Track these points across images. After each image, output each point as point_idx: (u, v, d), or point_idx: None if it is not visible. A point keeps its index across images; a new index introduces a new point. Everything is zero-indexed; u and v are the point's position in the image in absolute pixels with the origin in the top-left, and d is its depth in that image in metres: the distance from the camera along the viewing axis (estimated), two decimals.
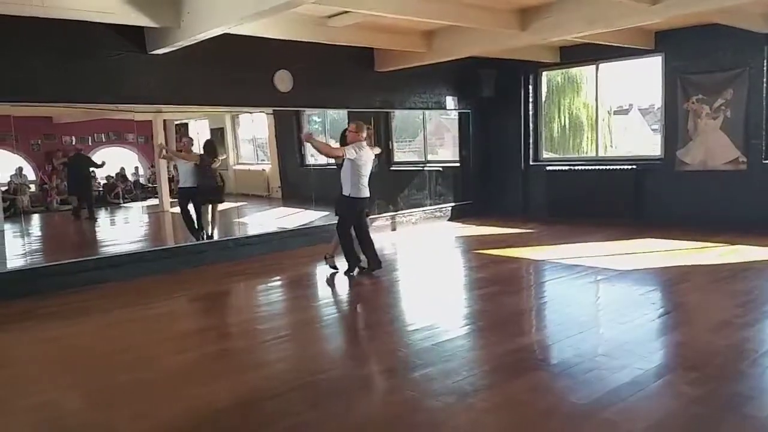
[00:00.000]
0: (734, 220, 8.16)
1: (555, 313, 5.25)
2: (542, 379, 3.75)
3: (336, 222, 6.78)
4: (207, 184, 8.36)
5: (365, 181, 6.50)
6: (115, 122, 8.54)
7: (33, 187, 9.00)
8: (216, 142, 9.17)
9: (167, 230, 10.08)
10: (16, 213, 8.31)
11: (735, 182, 8.32)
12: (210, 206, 8.42)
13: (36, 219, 8.96)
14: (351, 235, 6.63)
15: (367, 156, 6.47)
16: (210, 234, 8.41)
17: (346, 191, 6.50)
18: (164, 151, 9.13)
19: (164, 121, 9.06)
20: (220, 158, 8.71)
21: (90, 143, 8.20)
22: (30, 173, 8.99)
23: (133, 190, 11.32)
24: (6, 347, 4.94)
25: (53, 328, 5.31)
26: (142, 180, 10.72)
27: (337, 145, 6.80)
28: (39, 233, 8.98)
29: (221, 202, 8.70)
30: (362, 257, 6.71)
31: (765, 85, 8.03)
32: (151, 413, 3.48)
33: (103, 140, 10.43)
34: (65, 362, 4.47)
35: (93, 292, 6.35)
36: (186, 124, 11.26)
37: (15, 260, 6.77)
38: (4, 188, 8.16)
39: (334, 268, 6.82)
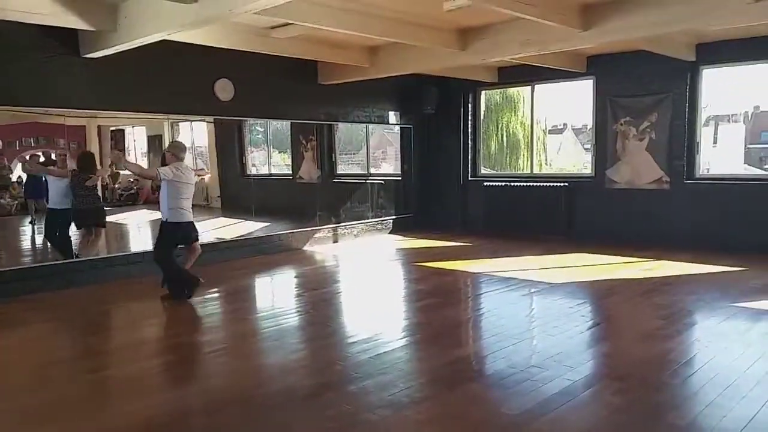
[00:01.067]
0: (659, 236, 8.63)
1: (490, 324, 5.39)
2: (477, 390, 3.84)
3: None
4: (83, 205, 7.24)
5: (186, 204, 6.02)
6: (45, 126, 8.15)
7: None
8: (93, 155, 7.74)
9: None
10: None
11: (659, 200, 8.80)
12: (90, 230, 7.43)
13: None
14: (173, 260, 6.13)
15: (186, 177, 6.01)
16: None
17: (164, 216, 6.00)
18: (25, 164, 7.93)
19: (99, 127, 8.74)
20: (99, 174, 7.59)
21: (17, 147, 7.80)
22: None
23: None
24: None
25: None
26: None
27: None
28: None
29: (103, 226, 7.55)
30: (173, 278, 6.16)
31: (687, 109, 8.56)
32: (79, 429, 3.34)
33: (32, 144, 9.95)
34: None
35: (18, 303, 6.03)
36: (122, 131, 10.91)
37: None
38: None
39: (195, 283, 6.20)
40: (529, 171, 10.68)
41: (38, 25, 5.63)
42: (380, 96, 10.21)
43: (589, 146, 10.42)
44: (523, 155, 11.56)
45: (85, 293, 6.54)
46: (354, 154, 12.07)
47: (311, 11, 5.78)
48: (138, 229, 9.93)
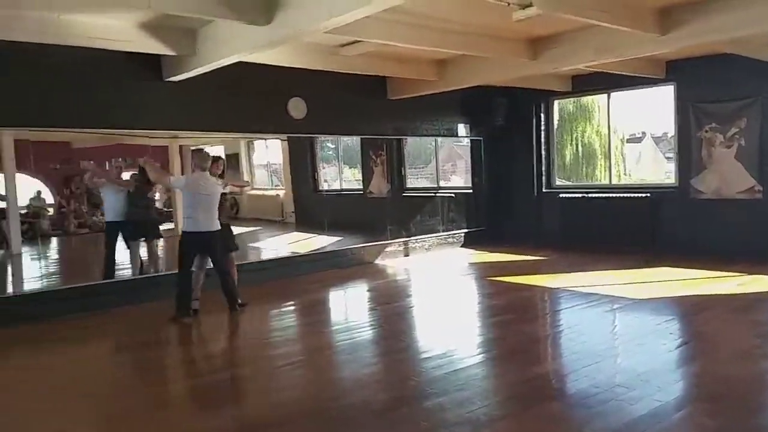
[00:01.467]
0: (751, 249, 8.04)
1: (570, 341, 5.18)
2: (558, 409, 3.68)
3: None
4: (141, 217, 7.40)
5: (199, 214, 5.93)
6: (132, 147, 8.64)
7: (51, 211, 9.10)
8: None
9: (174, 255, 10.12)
10: (34, 236, 8.40)
11: (751, 211, 8.22)
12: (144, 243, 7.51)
13: (54, 242, 9.02)
14: (186, 273, 6.05)
15: (198, 187, 5.97)
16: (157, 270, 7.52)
17: (182, 226, 6.01)
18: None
19: (180, 146, 9.17)
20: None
21: (107, 168, 8.29)
22: (49, 197, 9.10)
23: None
24: (23, 370, 4.94)
25: (66, 352, 5.32)
26: (158, 204, 10.85)
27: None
28: (56, 256, 9.04)
29: (157, 237, 7.64)
30: (195, 303, 6.17)
31: None
32: None
33: (122, 166, 10.57)
34: (70, 389, 4.45)
35: (106, 316, 6.36)
36: (201, 150, 11.41)
37: (32, 283, 6.80)
38: (23, 211, 8.24)
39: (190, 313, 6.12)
40: (607, 182, 10.27)
41: (124, 51, 6.00)
42: (449, 109, 10.15)
43: (670, 155, 9.93)
44: (600, 165, 11.15)
45: (157, 307, 6.80)
46: (423, 167, 12.05)
47: (379, 28, 5.83)
48: None
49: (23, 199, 8.33)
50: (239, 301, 6.28)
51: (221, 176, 6.35)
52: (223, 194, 6.32)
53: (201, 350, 5.64)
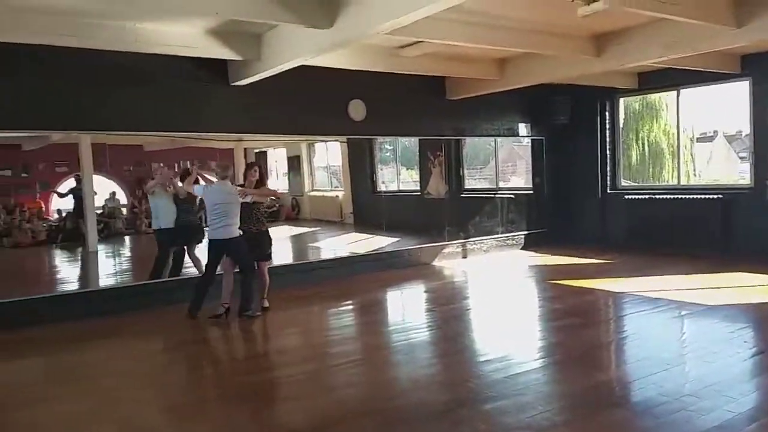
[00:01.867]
0: None
1: (636, 348, 5.00)
2: (623, 417, 3.57)
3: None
4: (188, 222, 7.36)
5: (215, 221, 6.05)
6: (199, 150, 8.98)
7: (125, 211, 9.57)
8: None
9: None
10: (109, 235, 8.88)
11: None
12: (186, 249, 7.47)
13: (127, 241, 9.47)
14: (208, 279, 6.27)
15: (213, 195, 6.10)
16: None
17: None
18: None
19: (245, 149, 9.45)
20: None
21: (176, 170, 8.64)
22: (122, 198, 9.58)
23: None
24: (102, 361, 5.22)
25: (138, 345, 5.59)
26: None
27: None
28: (129, 254, 9.50)
29: (199, 242, 7.45)
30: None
31: None
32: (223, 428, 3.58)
33: (188, 168, 10.99)
34: (148, 377, 4.67)
35: (172, 312, 6.63)
36: (265, 152, 11.71)
37: (106, 279, 7.18)
38: (99, 211, 8.71)
39: (259, 311, 6.26)
40: (675, 182, 9.87)
41: (193, 57, 6.24)
42: (509, 108, 10.01)
43: (744, 154, 9.43)
44: (668, 166, 10.72)
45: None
46: (482, 168, 11.91)
47: (439, 28, 5.82)
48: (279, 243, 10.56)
49: (99, 200, 8.81)
50: (250, 311, 6.15)
51: (259, 183, 6.43)
52: (256, 202, 6.33)
53: (262, 347, 5.79)
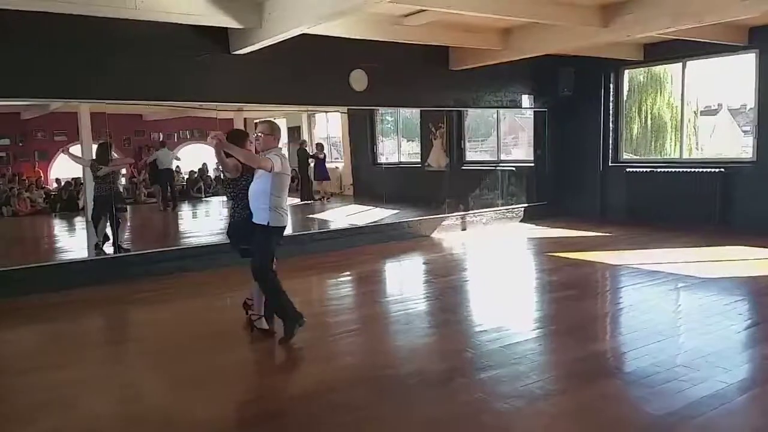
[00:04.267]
0: None
1: (632, 320, 5.05)
2: (616, 387, 3.63)
3: (253, 267, 4.53)
4: (101, 194, 7.16)
5: (286, 203, 4.58)
6: (199, 120, 8.95)
7: (124, 181, 9.58)
8: (108, 146, 7.52)
9: None
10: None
11: None
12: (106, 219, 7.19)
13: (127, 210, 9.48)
14: (278, 280, 4.60)
15: (288, 168, 4.59)
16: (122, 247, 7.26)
17: (262, 218, 4.45)
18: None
19: (245, 119, 9.41)
20: (107, 167, 7.17)
21: (176, 140, 8.64)
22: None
23: (215, 185, 11.88)
24: (104, 328, 5.30)
25: (142, 313, 5.65)
26: (222, 176, 11.22)
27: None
28: (129, 224, 9.53)
29: (120, 211, 7.29)
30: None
31: None
32: (225, 398, 3.65)
33: (188, 137, 10.98)
34: (152, 344, 4.74)
35: (176, 280, 6.69)
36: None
37: (106, 248, 7.21)
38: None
39: (264, 330, 4.74)
40: (678, 156, 9.82)
41: (194, 25, 6.17)
42: (513, 79, 9.92)
43: (748, 128, 9.36)
44: (671, 139, 10.64)
45: (220, 276, 7.08)
46: (483, 140, 11.86)
47: None
48: None
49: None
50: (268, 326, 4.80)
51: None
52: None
53: None
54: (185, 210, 11.53)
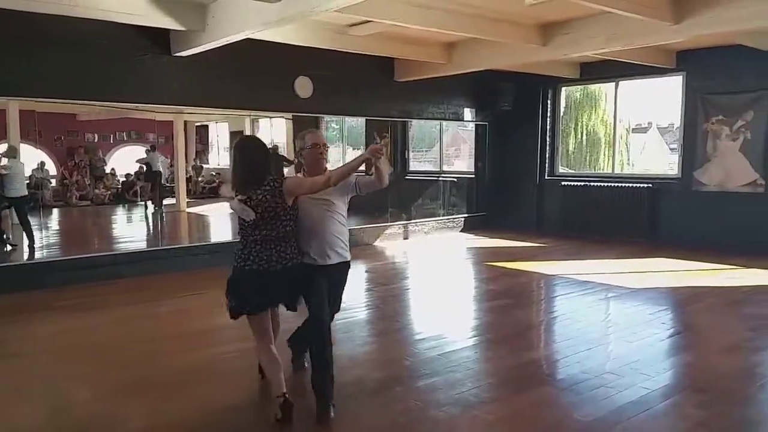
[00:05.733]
0: (750, 243, 8.08)
1: (564, 328, 5.24)
2: (548, 394, 3.75)
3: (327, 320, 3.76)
4: None
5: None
6: (137, 121, 8.69)
7: (54, 182, 9.17)
8: None
9: (183, 229, 10.20)
10: (36, 207, 8.47)
11: (752, 204, 8.24)
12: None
13: (56, 213, 9.08)
14: None
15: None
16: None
17: (346, 253, 3.66)
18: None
19: (185, 122, 9.20)
20: None
21: (111, 141, 8.35)
22: (52, 168, 9.16)
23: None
24: (24, 338, 5.03)
25: (69, 321, 5.41)
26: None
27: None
28: (57, 227, 9.11)
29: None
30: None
31: None
32: (160, 409, 3.54)
33: (125, 139, 10.63)
34: (77, 354, 4.54)
35: (107, 287, 6.45)
36: (206, 126, 11.42)
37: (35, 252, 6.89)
38: (26, 182, 8.31)
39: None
40: (610, 171, 10.29)
41: (134, 25, 6.00)
42: (455, 92, 10.13)
43: (675, 146, 9.91)
44: (604, 154, 11.16)
45: (167, 279, 6.89)
46: (427, 151, 12.05)
47: (389, 8, 5.81)
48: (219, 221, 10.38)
49: (27, 170, 8.40)
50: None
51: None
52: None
53: (199, 324, 5.70)
54: (119, 214, 11.15)
